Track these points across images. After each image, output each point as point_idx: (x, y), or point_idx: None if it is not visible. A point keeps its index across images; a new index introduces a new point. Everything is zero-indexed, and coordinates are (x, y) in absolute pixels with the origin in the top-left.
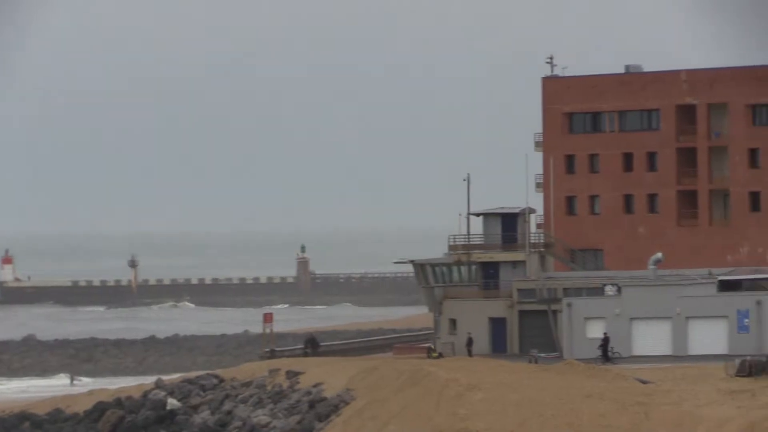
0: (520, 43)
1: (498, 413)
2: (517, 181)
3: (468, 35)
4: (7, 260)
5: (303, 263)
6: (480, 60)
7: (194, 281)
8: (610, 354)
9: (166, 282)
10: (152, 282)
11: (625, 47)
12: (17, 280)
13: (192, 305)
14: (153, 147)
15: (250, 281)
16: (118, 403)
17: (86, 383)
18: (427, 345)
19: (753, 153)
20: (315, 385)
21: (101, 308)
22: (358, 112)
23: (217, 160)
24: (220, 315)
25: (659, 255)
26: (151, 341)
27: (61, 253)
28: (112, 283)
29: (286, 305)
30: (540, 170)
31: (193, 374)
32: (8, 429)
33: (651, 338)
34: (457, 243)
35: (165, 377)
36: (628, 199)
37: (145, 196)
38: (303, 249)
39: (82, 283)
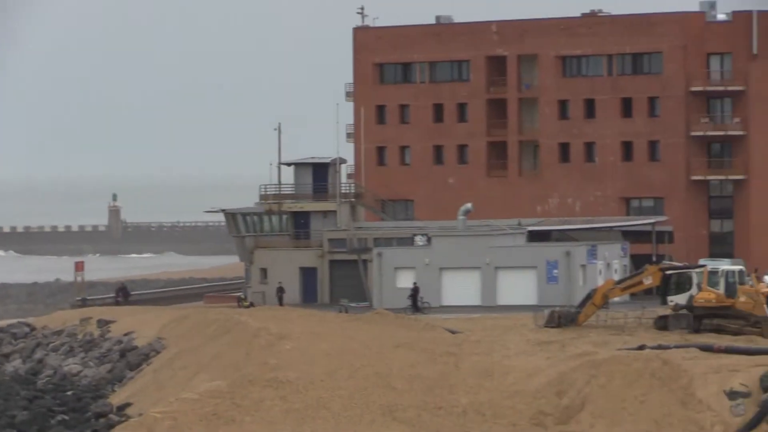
0: None
1: (308, 363)
2: (329, 131)
3: None
4: None
5: (115, 212)
6: (300, 7)
7: (6, 229)
8: (419, 304)
9: None
10: None
11: None
12: None
13: (11, 253)
14: None
15: (62, 229)
16: None
17: None
18: (238, 294)
19: (562, 104)
20: (126, 334)
21: None
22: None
23: None
24: (32, 263)
25: (469, 205)
26: None
27: None
28: None
29: (98, 254)
30: (351, 120)
31: (3, 322)
32: None
33: (460, 288)
34: (268, 193)
35: None
36: (438, 150)
37: None
38: (114, 197)
39: None
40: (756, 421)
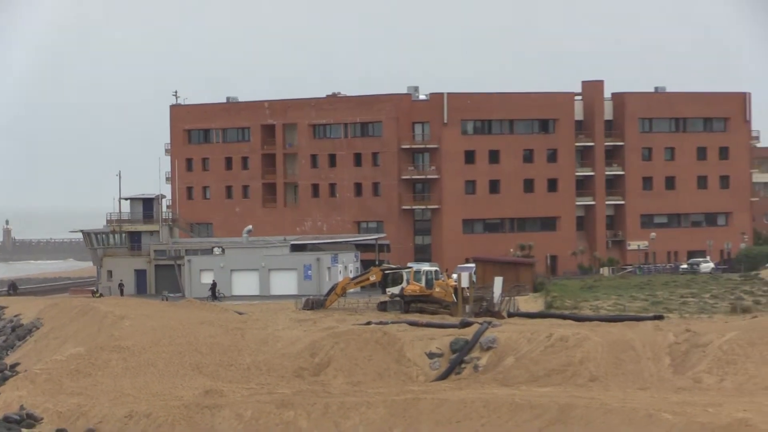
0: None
1: (141, 334)
2: (153, 176)
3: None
4: None
5: (8, 231)
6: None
7: None
8: (217, 294)
9: None
10: None
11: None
12: None
13: None
14: None
15: None
16: None
17: None
18: (92, 288)
19: (314, 158)
20: (15, 316)
21: None
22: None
23: None
24: None
25: (250, 227)
26: None
27: None
28: None
29: None
30: (169, 168)
31: None
32: None
33: (245, 283)
34: (113, 219)
35: None
36: (228, 189)
37: None
38: (7, 222)
39: None
40: (447, 372)
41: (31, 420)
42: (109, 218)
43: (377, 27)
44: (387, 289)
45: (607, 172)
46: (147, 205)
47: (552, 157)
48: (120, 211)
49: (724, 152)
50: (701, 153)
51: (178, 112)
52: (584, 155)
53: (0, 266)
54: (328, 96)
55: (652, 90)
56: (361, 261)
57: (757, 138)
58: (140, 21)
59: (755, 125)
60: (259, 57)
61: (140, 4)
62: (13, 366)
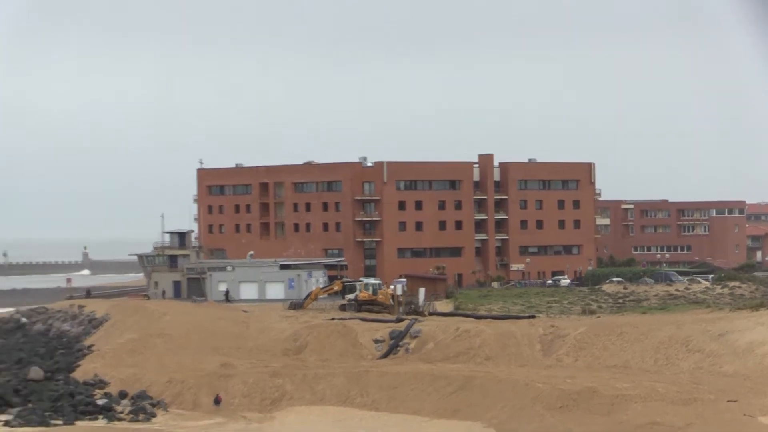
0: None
1: (177, 325)
2: (186, 217)
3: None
4: None
5: (85, 254)
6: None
7: None
8: (229, 298)
9: None
10: None
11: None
12: None
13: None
14: None
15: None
16: None
17: None
18: (144, 293)
19: (295, 205)
20: (91, 312)
21: None
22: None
23: None
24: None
25: (251, 252)
26: None
27: None
28: None
29: (83, 273)
30: (196, 212)
31: (34, 306)
32: None
33: (248, 291)
34: (158, 246)
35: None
36: (237, 226)
37: None
38: (85, 247)
39: None
40: (387, 353)
41: (102, 383)
42: (155, 245)
43: (337, 108)
44: (345, 296)
45: (495, 217)
46: (181, 237)
47: (458, 206)
48: (162, 241)
49: (576, 204)
50: (561, 204)
51: (202, 173)
52: (480, 205)
53: (80, 278)
54: (304, 163)
55: (527, 160)
56: (328, 276)
57: (598, 194)
58: (176, 101)
59: (597, 185)
60: (254, 129)
61: (178, 86)
62: (90, 346)
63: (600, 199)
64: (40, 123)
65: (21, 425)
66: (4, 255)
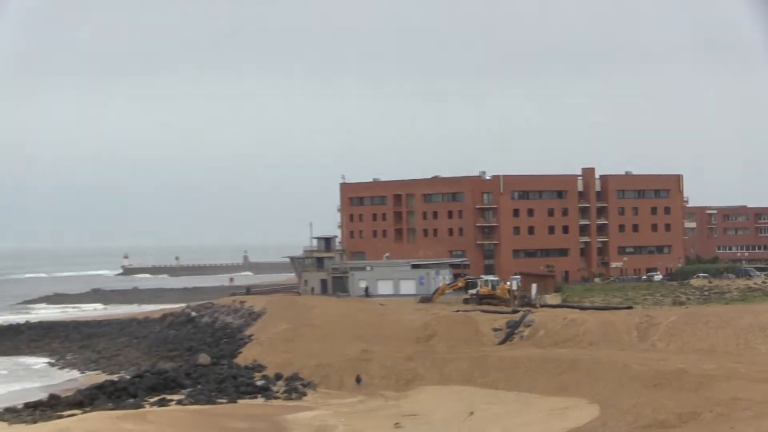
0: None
1: (324, 317)
2: (331, 223)
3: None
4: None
5: (246, 257)
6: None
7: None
8: (368, 294)
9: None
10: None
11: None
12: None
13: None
14: None
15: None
16: (170, 314)
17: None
18: (296, 290)
19: (424, 213)
20: (250, 306)
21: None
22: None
23: None
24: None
25: (387, 254)
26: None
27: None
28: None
29: (244, 273)
30: (339, 220)
31: (202, 302)
32: (124, 326)
33: (384, 287)
34: (307, 249)
35: (177, 305)
36: (374, 232)
37: None
38: (245, 251)
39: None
40: (505, 340)
41: (260, 367)
42: (305, 249)
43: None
44: (468, 291)
45: (597, 222)
46: (327, 241)
47: (565, 212)
48: (311, 245)
49: (667, 210)
50: (653, 210)
51: (344, 186)
52: (583, 212)
53: (241, 278)
54: (432, 177)
55: (624, 173)
56: (453, 274)
57: (686, 201)
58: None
59: (685, 193)
60: (388, 149)
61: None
62: (250, 336)
63: (687, 205)
64: (219, 144)
65: (191, 404)
66: (176, 259)
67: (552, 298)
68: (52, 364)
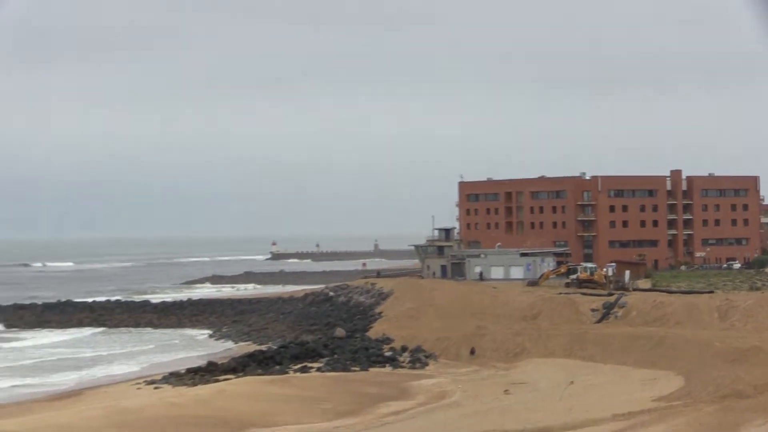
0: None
1: (443, 297)
2: (450, 217)
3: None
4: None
5: (376, 245)
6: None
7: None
8: (482, 278)
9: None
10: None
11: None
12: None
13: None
14: None
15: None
16: (311, 294)
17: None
18: (419, 274)
19: (532, 209)
20: (380, 288)
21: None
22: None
23: None
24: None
25: (499, 243)
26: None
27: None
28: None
29: (372, 259)
30: (457, 213)
31: (338, 283)
32: (272, 304)
33: (497, 272)
34: (430, 239)
35: (317, 286)
36: (488, 224)
37: None
38: (376, 240)
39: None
40: (601, 319)
41: (388, 340)
42: (428, 239)
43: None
44: (569, 276)
45: (684, 217)
46: (447, 232)
47: (654, 209)
48: (433, 235)
49: (745, 207)
50: (733, 207)
51: (462, 185)
52: (671, 209)
53: (372, 263)
54: (538, 177)
55: (707, 174)
56: (556, 261)
57: (762, 199)
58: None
59: (762, 192)
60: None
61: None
62: (379, 313)
63: (764, 203)
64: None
65: (329, 371)
66: (317, 246)
67: (643, 283)
68: (210, 336)
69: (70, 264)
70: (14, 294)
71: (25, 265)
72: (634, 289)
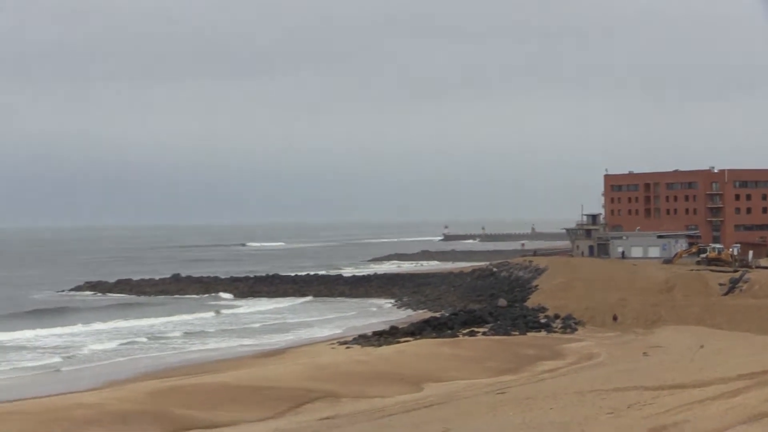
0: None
1: (592, 273)
2: (597, 204)
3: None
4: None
5: (533, 228)
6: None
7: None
8: (624, 256)
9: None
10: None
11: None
12: None
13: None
14: None
15: (509, 232)
16: (478, 269)
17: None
18: (569, 253)
19: (667, 198)
20: (537, 265)
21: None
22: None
23: None
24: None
25: (639, 227)
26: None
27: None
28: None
29: (527, 240)
30: (603, 201)
31: (501, 261)
32: (445, 278)
33: (636, 251)
34: (579, 223)
35: (483, 263)
36: (629, 211)
37: None
38: (483, 227)
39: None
40: (728, 292)
41: (543, 309)
42: (577, 223)
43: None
44: (700, 255)
45: None
46: (593, 218)
47: None
48: (582, 220)
49: None
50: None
51: (607, 177)
52: None
53: (530, 244)
54: (673, 170)
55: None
56: (688, 243)
57: None
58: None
59: None
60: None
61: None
62: (536, 286)
63: None
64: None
65: (493, 334)
66: (483, 229)
67: (764, 262)
68: (393, 305)
69: (282, 243)
70: (233, 269)
71: (242, 245)
72: (757, 267)
